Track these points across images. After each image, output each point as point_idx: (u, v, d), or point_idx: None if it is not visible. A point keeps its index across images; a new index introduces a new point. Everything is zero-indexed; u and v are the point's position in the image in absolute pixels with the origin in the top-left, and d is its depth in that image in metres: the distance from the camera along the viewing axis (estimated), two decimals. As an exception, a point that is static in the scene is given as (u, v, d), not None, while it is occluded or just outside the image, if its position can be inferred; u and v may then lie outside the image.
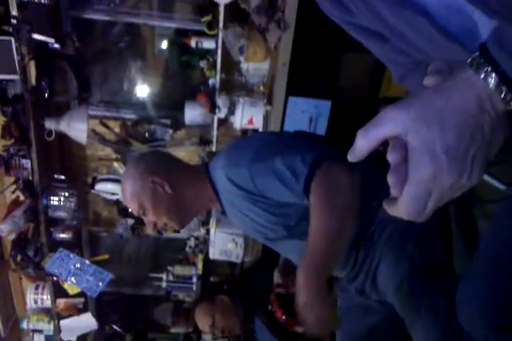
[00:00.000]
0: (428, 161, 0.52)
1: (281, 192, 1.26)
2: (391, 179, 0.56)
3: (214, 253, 2.63)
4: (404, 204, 0.56)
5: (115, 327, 2.98)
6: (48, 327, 2.92)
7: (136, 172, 1.41)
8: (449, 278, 1.31)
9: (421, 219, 0.57)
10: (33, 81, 2.25)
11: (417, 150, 0.53)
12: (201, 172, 1.45)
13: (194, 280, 2.90)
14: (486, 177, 1.14)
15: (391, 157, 0.55)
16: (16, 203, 2.58)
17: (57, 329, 2.87)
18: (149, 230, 2.97)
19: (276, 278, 2.06)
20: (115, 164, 2.72)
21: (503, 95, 0.50)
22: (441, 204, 0.56)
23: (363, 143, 0.55)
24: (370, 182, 1.20)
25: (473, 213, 1.49)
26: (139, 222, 2.87)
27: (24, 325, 2.95)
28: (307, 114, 2.12)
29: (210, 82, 2.34)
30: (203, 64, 2.33)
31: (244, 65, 2.24)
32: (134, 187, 1.40)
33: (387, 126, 0.54)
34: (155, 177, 1.38)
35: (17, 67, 2.17)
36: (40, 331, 2.98)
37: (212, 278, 3.06)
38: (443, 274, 1.32)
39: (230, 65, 2.32)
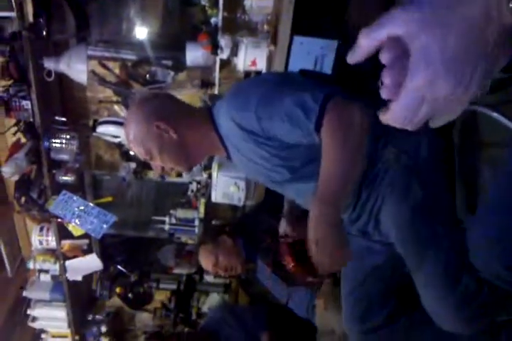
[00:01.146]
0: (424, 67, 0.51)
1: (290, 132, 1.24)
2: (385, 79, 0.54)
3: (216, 197, 2.65)
4: (397, 109, 0.55)
5: (120, 267, 3.05)
6: (54, 267, 2.99)
7: (139, 117, 1.39)
8: (452, 218, 1.32)
9: (411, 127, 0.56)
10: (30, 18, 2.18)
11: (416, 55, 0.51)
12: (205, 116, 1.43)
13: (196, 223, 2.94)
14: (496, 115, 1.12)
15: (384, 56, 0.53)
16: (17, 145, 2.57)
17: (63, 270, 2.94)
18: (152, 174, 2.99)
19: (283, 227, 2.07)
20: (116, 107, 2.69)
21: (511, 3, 0.47)
22: (433, 114, 0.55)
23: (364, 43, 0.53)
24: (375, 122, 1.18)
25: (478, 157, 1.49)
26: (142, 166, 2.89)
27: (30, 265, 3.02)
28: (313, 55, 2.06)
29: (212, 21, 2.27)
30: (204, 1, 2.25)
31: (248, 2, 2.16)
32: (139, 132, 1.39)
33: (390, 26, 0.52)
34: (160, 123, 1.37)
35: (13, 4, 2.09)
36: (46, 271, 3.05)
37: (214, 222, 3.11)
38: (447, 214, 1.33)
39: (233, 2, 2.24)
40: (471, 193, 1.39)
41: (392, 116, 0.56)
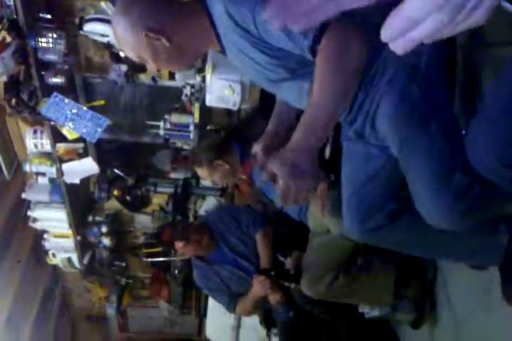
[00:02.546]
0: None
1: (284, 42, 1.18)
2: None
3: (211, 100, 2.60)
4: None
5: (116, 171, 3.08)
6: (51, 170, 3.01)
7: (126, 25, 1.29)
8: (449, 121, 1.30)
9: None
10: None
11: None
12: (197, 8, 1.34)
13: (191, 128, 2.92)
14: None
15: None
16: (3, 44, 2.46)
17: (60, 172, 2.97)
18: (144, 78, 2.90)
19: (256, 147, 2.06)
20: (102, 4, 2.54)
21: None
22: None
23: None
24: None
25: (480, 58, 1.43)
26: (133, 69, 2.79)
27: (27, 168, 3.03)
28: None
29: None
30: None
31: None
32: (128, 41, 1.31)
33: None
34: (149, 33, 1.28)
35: None
36: (43, 174, 3.08)
37: (209, 127, 3.08)
38: (444, 117, 1.30)
39: None
40: (470, 100, 1.36)
41: (401, 15, 0.53)
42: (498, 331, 1.70)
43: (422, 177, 1.27)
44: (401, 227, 1.49)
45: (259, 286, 2.30)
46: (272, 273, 2.28)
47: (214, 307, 3.54)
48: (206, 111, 2.91)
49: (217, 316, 3.52)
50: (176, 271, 3.86)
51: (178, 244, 2.50)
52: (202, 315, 4.31)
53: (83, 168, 2.97)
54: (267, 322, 2.79)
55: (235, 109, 2.65)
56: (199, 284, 2.68)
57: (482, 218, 1.39)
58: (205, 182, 3.25)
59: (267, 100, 2.52)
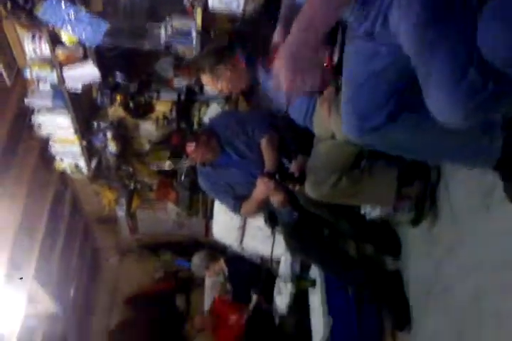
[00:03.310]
0: None
1: None
2: None
3: (213, 3, 2.50)
4: None
5: (118, 77, 3.04)
6: (52, 76, 2.96)
7: None
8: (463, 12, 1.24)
9: None
10: None
11: None
12: None
13: (193, 34, 2.82)
14: None
15: None
16: None
17: (61, 78, 2.93)
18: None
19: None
20: None
21: None
22: None
23: None
24: None
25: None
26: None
27: (27, 74, 2.98)
28: None
29: None
30: None
31: None
32: None
33: None
34: None
35: None
36: (44, 79, 3.04)
37: (212, 34, 2.97)
38: (458, 11, 1.24)
39: None
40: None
41: None
42: (495, 230, 1.78)
43: (434, 73, 1.25)
44: (401, 128, 1.50)
45: (263, 187, 2.37)
46: (277, 175, 2.34)
47: (220, 210, 3.71)
48: (209, 17, 2.79)
49: (223, 217, 3.70)
50: (183, 177, 3.98)
51: (189, 147, 2.52)
52: (208, 217, 4.51)
53: (84, 73, 2.92)
54: (272, 221, 2.92)
55: (239, 11, 2.55)
56: (205, 188, 2.75)
57: (490, 118, 1.40)
58: (209, 89, 3.21)
59: (271, 1, 2.42)
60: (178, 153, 3.40)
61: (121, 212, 4.44)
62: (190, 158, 2.67)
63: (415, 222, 2.33)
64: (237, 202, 2.58)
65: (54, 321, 4.21)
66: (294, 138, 2.50)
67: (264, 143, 2.50)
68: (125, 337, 5.51)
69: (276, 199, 2.43)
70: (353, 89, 1.51)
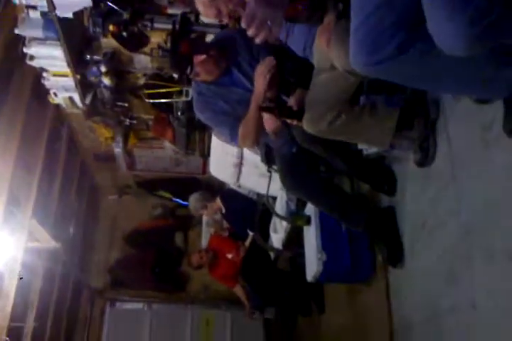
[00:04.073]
0: None
1: None
2: None
3: None
4: None
5: (110, 4, 2.90)
6: (42, 3, 2.83)
7: None
8: None
9: None
10: None
11: None
12: None
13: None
14: None
15: None
16: None
17: (52, 5, 2.79)
18: None
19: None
20: None
21: None
22: None
23: None
24: None
25: None
26: None
27: (16, 0, 2.85)
28: None
29: None
30: None
31: None
32: None
33: None
34: None
35: None
36: (34, 7, 2.91)
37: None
38: None
39: None
40: None
41: None
42: (492, 166, 1.76)
43: None
44: (409, 59, 1.43)
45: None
46: (275, 109, 2.27)
47: (217, 147, 3.68)
48: None
49: (220, 155, 3.68)
50: (179, 113, 3.91)
51: (198, 57, 2.35)
52: (206, 155, 4.49)
53: (76, 0, 2.79)
54: (268, 159, 2.88)
55: None
56: (202, 110, 2.56)
57: (496, 46, 1.33)
58: (206, 19, 3.07)
59: None
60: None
61: (118, 149, 4.42)
62: (194, 72, 2.48)
63: (421, 163, 2.28)
64: (235, 124, 2.42)
65: (54, 257, 4.29)
66: (293, 70, 2.40)
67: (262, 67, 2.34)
68: (125, 273, 5.67)
69: (269, 125, 2.34)
70: (360, 18, 1.42)
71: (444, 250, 2.08)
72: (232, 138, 2.50)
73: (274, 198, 3.57)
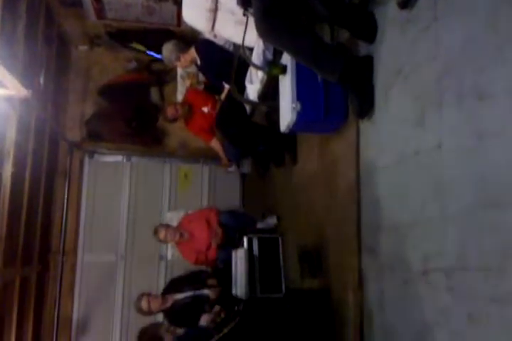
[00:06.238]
0: None
1: None
2: None
3: None
4: None
5: None
6: None
7: None
8: None
9: None
10: None
11: None
12: None
13: None
14: None
15: None
16: None
17: None
18: None
19: None
20: None
21: None
22: None
23: None
24: None
25: None
26: None
27: None
28: None
29: None
30: None
31: None
32: None
33: None
34: None
35: None
36: None
37: None
38: None
39: None
40: None
41: None
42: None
43: None
44: None
45: None
46: None
47: (190, -10, 3.39)
48: None
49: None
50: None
51: None
52: (180, 1, 4.18)
53: None
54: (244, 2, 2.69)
55: None
56: None
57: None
58: None
59: None
60: None
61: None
62: None
63: (404, 3, 2.14)
64: None
65: (27, 108, 4.20)
66: None
67: None
68: (101, 126, 5.65)
69: None
70: None
71: (416, 97, 2.06)
72: None
73: (252, 49, 3.42)
